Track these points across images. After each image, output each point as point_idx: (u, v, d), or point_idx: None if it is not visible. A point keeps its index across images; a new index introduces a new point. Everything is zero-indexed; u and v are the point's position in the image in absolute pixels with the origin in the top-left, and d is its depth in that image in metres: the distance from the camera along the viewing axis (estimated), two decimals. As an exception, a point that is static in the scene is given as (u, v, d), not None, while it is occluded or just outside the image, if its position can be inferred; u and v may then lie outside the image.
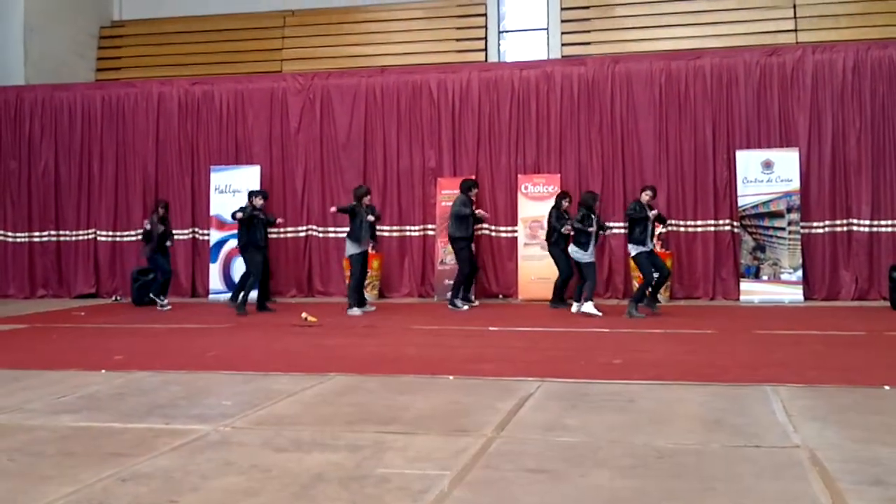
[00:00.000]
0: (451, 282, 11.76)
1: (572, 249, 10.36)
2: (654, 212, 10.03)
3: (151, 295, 11.78)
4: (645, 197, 10.07)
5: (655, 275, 9.92)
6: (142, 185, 13.63)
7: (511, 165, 12.56)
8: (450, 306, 11.04)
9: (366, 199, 10.81)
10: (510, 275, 12.49)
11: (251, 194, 11.11)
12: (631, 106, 12.20)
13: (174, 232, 13.31)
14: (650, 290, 10.06)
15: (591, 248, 10.22)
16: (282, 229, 12.91)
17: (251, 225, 10.81)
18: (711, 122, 11.97)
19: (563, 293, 10.97)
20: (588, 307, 9.99)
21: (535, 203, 12.28)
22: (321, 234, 13.24)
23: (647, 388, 5.67)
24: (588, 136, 12.34)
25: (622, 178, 12.23)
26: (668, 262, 11.38)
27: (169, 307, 11.66)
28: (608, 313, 10.21)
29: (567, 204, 10.97)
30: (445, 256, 12.44)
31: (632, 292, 11.62)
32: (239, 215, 10.88)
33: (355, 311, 10.57)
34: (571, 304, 10.45)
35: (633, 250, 9.98)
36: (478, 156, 12.70)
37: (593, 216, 10.27)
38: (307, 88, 13.25)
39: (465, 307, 11.00)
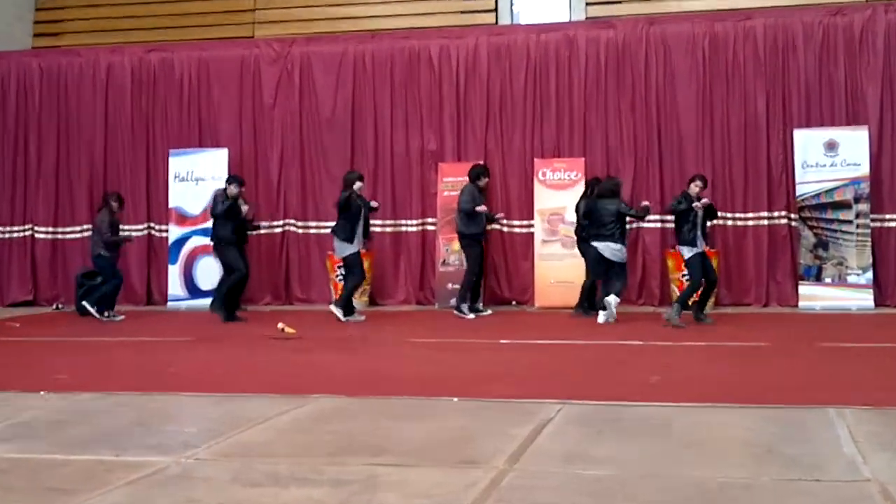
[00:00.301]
0: (456, 285, 11.96)
1: (609, 246, 10.34)
2: (705, 200, 10.03)
3: (86, 304, 11.58)
4: (694, 189, 10.14)
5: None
6: (88, 172, 13.74)
7: (526, 148, 12.68)
8: (456, 312, 11.18)
9: (357, 187, 10.88)
10: (525, 277, 12.56)
11: (229, 181, 11.36)
12: (669, 76, 12.33)
13: (126, 228, 13.37)
14: (696, 298, 10.15)
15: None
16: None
17: (224, 218, 11.03)
18: (764, 95, 12.06)
19: (594, 298, 11.02)
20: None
21: (554, 192, 12.33)
22: (301, 230, 13.32)
23: (687, 412, 5.69)
24: (618, 113, 12.44)
25: (658, 162, 12.33)
26: (714, 262, 11.29)
27: (121, 317, 11.65)
28: (637, 320, 10.28)
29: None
30: (449, 256, 12.51)
31: (669, 298, 11.72)
32: (219, 209, 11.06)
33: (350, 316, 10.83)
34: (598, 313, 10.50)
35: (687, 252, 10.08)
36: (486, 137, 12.82)
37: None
38: (284, 56, 13.38)
39: (472, 316, 11.09)
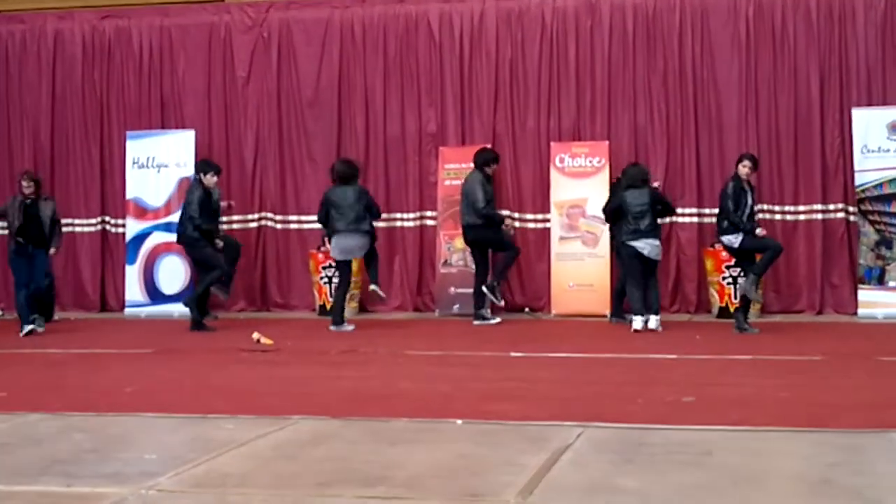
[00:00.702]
0: (460, 289, 12.05)
1: (649, 243, 10.57)
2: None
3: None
4: (743, 170, 10.37)
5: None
6: (31, 156, 13.73)
7: (541, 131, 12.66)
8: (475, 321, 11.37)
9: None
10: (539, 281, 12.57)
11: (201, 168, 11.42)
12: (707, 48, 12.32)
13: (76, 222, 13.39)
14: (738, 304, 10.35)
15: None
16: (225, 218, 12.95)
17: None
18: (818, 69, 12.06)
19: (622, 303, 11.19)
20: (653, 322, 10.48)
21: (574, 182, 12.32)
22: (279, 225, 13.33)
23: (729, 437, 5.68)
24: (647, 91, 12.44)
25: (694, 147, 12.33)
26: None
27: (41, 329, 11.30)
28: (670, 330, 10.36)
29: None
30: (451, 255, 12.51)
31: (707, 304, 11.77)
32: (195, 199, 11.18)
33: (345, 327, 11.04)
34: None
35: (736, 240, 10.35)
36: (495, 117, 12.81)
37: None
38: (259, 24, 13.36)
39: (496, 320, 11.37)
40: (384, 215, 12.69)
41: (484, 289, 11.25)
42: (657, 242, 10.60)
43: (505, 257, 11.57)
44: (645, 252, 10.49)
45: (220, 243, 11.44)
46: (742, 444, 5.49)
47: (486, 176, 11.42)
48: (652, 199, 10.56)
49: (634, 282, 10.58)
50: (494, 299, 11.27)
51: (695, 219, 12.17)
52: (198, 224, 11.15)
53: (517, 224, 12.55)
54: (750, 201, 10.36)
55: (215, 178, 11.41)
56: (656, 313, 10.50)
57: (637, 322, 10.38)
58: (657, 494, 4.58)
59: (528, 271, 12.66)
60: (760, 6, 12.16)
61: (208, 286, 11.27)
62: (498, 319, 11.36)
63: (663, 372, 8.12)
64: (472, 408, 6.55)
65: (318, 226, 11.73)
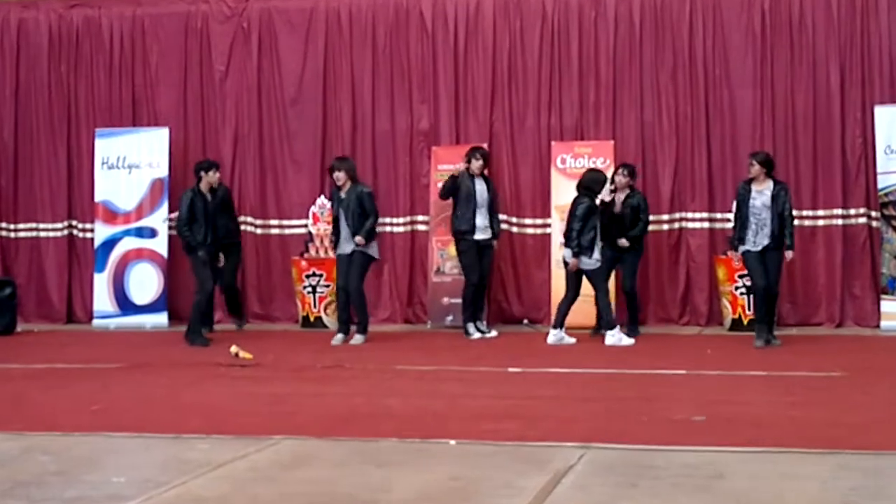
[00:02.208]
0: (455, 300, 12.11)
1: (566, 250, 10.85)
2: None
3: None
4: (753, 170, 10.36)
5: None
6: (-8, 155, 13.76)
7: (541, 129, 12.69)
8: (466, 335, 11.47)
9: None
10: (539, 290, 12.59)
11: (201, 168, 11.41)
12: (719, 40, 12.33)
13: (40, 226, 13.37)
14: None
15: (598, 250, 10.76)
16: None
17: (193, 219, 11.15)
18: (839, 64, 12.07)
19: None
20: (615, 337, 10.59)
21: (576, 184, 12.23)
22: (260, 231, 13.32)
23: (742, 459, 5.67)
24: (655, 86, 12.46)
25: (705, 147, 12.34)
26: None
27: None
28: (679, 343, 10.37)
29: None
30: (444, 263, 12.52)
31: (719, 316, 11.90)
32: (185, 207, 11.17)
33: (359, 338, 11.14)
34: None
35: (740, 249, 10.46)
36: (492, 115, 12.84)
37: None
38: (239, 13, 13.40)
39: (477, 335, 11.35)
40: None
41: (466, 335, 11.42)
42: (569, 252, 10.71)
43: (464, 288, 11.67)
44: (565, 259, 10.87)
45: (221, 258, 11.57)
46: (755, 467, 5.48)
47: (469, 175, 11.53)
48: (574, 208, 10.64)
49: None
50: (468, 336, 11.39)
51: (706, 224, 12.18)
52: (184, 234, 11.21)
53: (515, 230, 12.61)
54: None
55: (217, 175, 11.45)
56: (610, 327, 10.67)
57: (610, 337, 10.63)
58: (664, 521, 4.58)
59: (526, 280, 12.66)
60: (777, -5, 12.17)
61: (195, 318, 11.21)
62: (477, 335, 11.39)
63: (671, 389, 8.13)
64: (467, 427, 6.55)
65: (303, 230, 11.71)
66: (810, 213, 12.12)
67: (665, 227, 12.23)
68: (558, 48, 12.63)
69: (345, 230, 11.02)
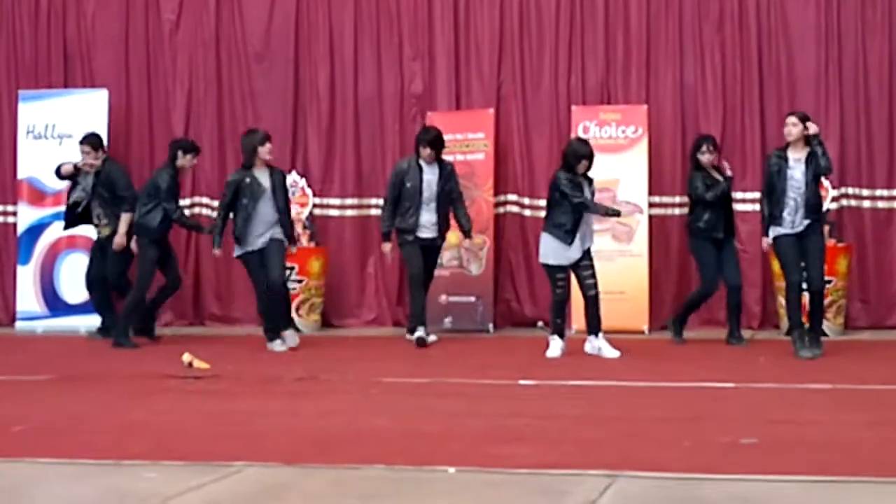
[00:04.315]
0: (452, 298, 12.21)
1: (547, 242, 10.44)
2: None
3: None
4: (795, 132, 10.03)
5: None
6: None
7: (559, 91, 12.63)
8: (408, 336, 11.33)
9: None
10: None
11: (178, 147, 11.47)
12: (775, -17, 12.38)
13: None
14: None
15: (577, 239, 10.26)
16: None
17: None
18: (921, 11, 12.09)
19: (686, 316, 11.18)
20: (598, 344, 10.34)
21: (602, 157, 11.68)
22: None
23: (802, 489, 5.50)
24: (697, 40, 12.40)
25: (758, 113, 12.22)
26: (843, 263, 11.51)
27: None
28: (725, 351, 10.51)
29: (710, 157, 10.94)
30: (441, 253, 12.25)
31: (774, 317, 11.96)
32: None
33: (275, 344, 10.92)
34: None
35: (771, 233, 10.30)
36: (499, 74, 12.80)
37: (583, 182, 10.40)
38: (192, -49, 13.47)
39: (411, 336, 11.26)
40: (354, 201, 13.01)
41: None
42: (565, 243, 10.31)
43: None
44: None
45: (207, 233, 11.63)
46: (818, 499, 5.39)
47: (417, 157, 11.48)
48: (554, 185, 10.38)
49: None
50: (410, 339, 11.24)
51: (759, 206, 11.62)
52: (173, 214, 11.25)
53: (527, 212, 12.64)
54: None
55: (194, 161, 11.66)
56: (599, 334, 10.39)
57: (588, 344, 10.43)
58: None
59: (540, 274, 11.98)
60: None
61: (127, 315, 11.27)
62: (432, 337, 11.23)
63: (716, 405, 8.00)
64: (469, 452, 6.41)
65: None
66: (885, 192, 12.10)
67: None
68: (578, -7, 12.71)
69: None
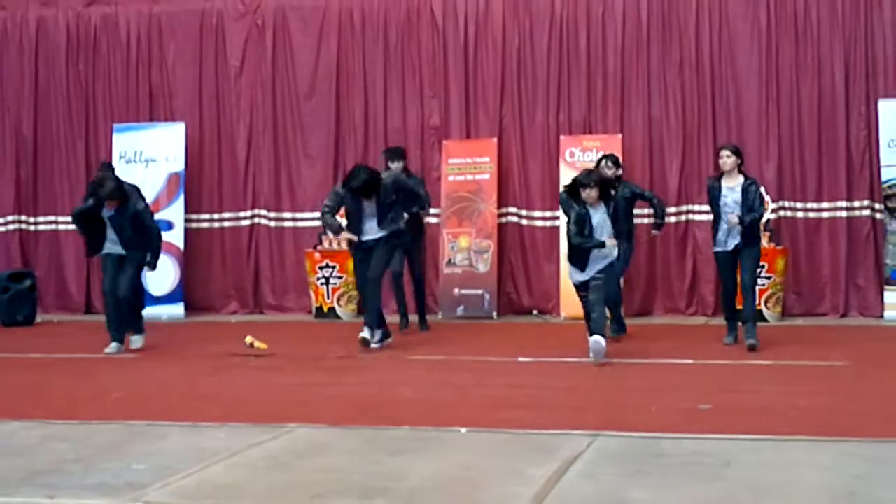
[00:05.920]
0: (465, 291, 12.28)
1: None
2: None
3: None
4: (729, 163, 9.56)
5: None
6: (13, 151, 13.84)
7: (550, 123, 12.72)
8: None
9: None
10: (548, 281, 12.60)
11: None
12: (725, 36, 12.34)
13: (59, 219, 13.36)
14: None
15: (590, 262, 9.01)
16: (215, 215, 13.25)
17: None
18: (843, 59, 12.03)
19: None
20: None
21: (585, 178, 12.20)
22: (273, 223, 13.33)
23: (749, 446, 5.67)
24: (662, 81, 12.48)
25: (712, 140, 12.23)
26: (781, 262, 11.60)
27: None
28: (686, 333, 10.43)
29: (611, 172, 10.05)
30: (455, 255, 12.58)
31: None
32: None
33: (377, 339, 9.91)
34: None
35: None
36: (501, 109, 12.89)
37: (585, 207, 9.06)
38: (253, 10, 13.45)
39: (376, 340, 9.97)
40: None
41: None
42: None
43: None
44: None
45: None
46: (762, 455, 5.48)
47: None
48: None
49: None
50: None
51: (712, 217, 12.05)
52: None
53: (524, 222, 12.64)
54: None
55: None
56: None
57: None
58: (671, 507, 4.45)
59: (536, 271, 12.68)
60: (782, -10, 12.14)
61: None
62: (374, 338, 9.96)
63: (678, 378, 8.13)
64: (478, 416, 6.56)
65: (316, 223, 11.65)
66: (815, 205, 12.12)
67: (672, 219, 12.16)
68: (567, 44, 12.63)
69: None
